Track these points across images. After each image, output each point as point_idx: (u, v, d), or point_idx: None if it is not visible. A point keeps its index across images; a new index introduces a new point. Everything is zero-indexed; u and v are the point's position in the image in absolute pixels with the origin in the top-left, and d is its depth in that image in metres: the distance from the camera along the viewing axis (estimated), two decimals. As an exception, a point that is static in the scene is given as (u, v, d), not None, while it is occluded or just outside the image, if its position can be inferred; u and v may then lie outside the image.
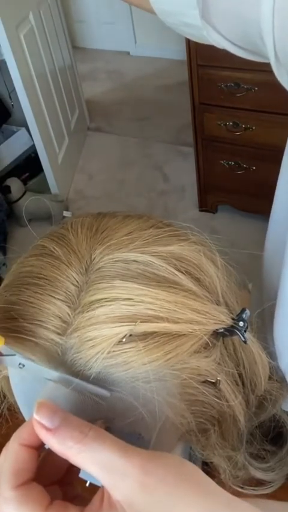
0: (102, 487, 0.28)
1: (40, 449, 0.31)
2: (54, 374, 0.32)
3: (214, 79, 1.65)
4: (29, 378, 0.35)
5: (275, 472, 0.44)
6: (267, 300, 0.53)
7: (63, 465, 0.33)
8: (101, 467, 0.27)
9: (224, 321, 0.34)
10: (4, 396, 0.43)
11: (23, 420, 0.39)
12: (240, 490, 0.44)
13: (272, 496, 0.45)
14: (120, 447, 0.27)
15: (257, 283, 0.60)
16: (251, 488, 0.44)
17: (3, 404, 0.44)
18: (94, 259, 0.35)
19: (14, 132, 2.45)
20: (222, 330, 0.35)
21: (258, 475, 0.44)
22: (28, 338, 0.33)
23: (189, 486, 0.27)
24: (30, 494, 0.28)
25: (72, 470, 0.33)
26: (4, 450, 0.30)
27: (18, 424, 0.44)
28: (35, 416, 0.28)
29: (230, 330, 0.35)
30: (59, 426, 0.28)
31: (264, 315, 0.54)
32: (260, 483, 0.45)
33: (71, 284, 0.34)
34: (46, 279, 0.35)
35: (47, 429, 0.28)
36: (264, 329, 0.54)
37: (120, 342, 0.32)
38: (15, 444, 0.30)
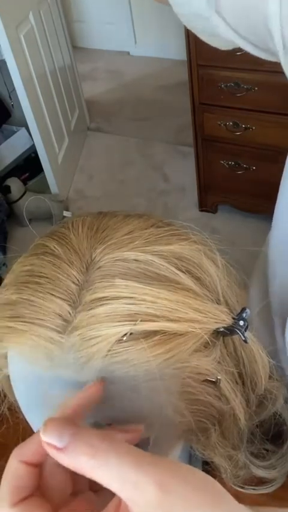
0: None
1: (41, 466, 0.30)
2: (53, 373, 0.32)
3: (214, 79, 1.66)
4: (30, 377, 0.35)
5: (277, 469, 0.44)
6: (273, 296, 0.53)
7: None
8: (116, 482, 0.26)
9: (224, 320, 0.34)
10: (4, 396, 0.43)
11: (23, 420, 0.39)
12: (241, 489, 0.44)
13: (273, 496, 0.45)
14: (135, 458, 0.26)
15: (260, 279, 0.60)
16: (252, 487, 0.44)
17: (4, 403, 0.44)
18: (95, 258, 0.35)
19: (14, 132, 2.46)
20: (222, 329, 0.35)
21: (260, 473, 0.44)
22: (29, 336, 0.33)
23: (207, 501, 0.26)
24: (29, 510, 0.28)
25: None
26: (6, 467, 0.30)
27: (18, 424, 0.44)
28: (43, 438, 0.27)
29: (231, 329, 0.35)
30: (69, 444, 0.27)
31: (269, 311, 0.54)
32: (260, 482, 0.45)
33: (71, 283, 0.34)
34: (47, 278, 0.35)
35: (58, 449, 0.27)
36: (270, 325, 0.54)
37: (120, 340, 0.32)
38: (14, 461, 0.29)
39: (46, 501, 0.29)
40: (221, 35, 0.38)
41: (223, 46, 0.41)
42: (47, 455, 0.29)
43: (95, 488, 0.33)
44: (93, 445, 0.26)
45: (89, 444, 0.26)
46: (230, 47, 0.41)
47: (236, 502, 0.28)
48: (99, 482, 0.26)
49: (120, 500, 0.27)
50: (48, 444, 0.27)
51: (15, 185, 2.15)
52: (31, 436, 0.30)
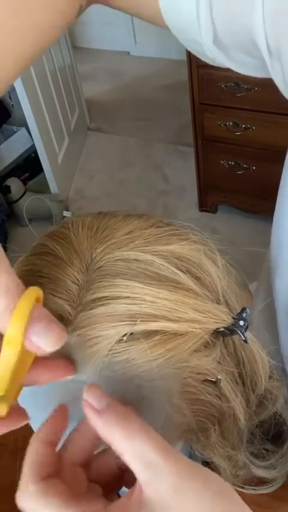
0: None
1: (56, 446, 0.32)
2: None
3: (214, 79, 1.66)
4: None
5: (277, 469, 0.44)
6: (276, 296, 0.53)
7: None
8: (139, 461, 0.27)
9: (224, 320, 0.34)
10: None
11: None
12: (241, 489, 0.44)
13: (273, 496, 0.45)
14: (163, 445, 0.27)
15: (264, 278, 0.61)
16: (252, 487, 0.44)
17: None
18: (95, 258, 0.35)
19: (14, 132, 2.46)
20: (222, 329, 0.35)
21: (260, 473, 0.43)
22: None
23: (223, 505, 0.27)
24: (52, 489, 0.29)
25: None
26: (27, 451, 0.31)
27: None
28: (84, 396, 0.29)
29: (231, 329, 0.35)
30: (105, 409, 0.28)
31: (273, 310, 0.54)
32: (261, 482, 0.45)
33: (71, 283, 0.34)
34: (47, 278, 0.35)
35: (95, 409, 0.28)
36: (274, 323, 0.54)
37: (120, 340, 0.32)
38: (35, 442, 0.31)
39: (67, 486, 0.30)
40: (215, 61, 0.41)
41: (220, 65, 0.44)
42: (61, 437, 0.31)
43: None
44: (127, 420, 0.28)
45: (124, 418, 0.28)
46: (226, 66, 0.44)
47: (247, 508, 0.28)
48: (121, 455, 0.27)
49: (133, 489, 0.28)
50: (88, 403, 0.29)
51: (15, 185, 2.15)
52: (45, 419, 0.32)
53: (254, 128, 1.72)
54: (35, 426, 0.38)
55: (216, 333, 0.35)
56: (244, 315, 0.35)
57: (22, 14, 0.34)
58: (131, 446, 0.27)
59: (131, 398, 0.33)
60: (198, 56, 0.44)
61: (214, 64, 0.44)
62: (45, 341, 0.27)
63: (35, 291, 0.28)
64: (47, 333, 0.27)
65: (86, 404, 0.29)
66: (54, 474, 0.30)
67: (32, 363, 0.30)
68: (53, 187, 2.32)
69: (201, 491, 0.27)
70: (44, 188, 2.32)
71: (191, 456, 0.46)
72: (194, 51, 0.44)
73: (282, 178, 0.49)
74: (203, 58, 0.44)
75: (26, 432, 0.40)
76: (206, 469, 0.28)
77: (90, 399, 0.29)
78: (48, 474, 0.30)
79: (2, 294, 0.26)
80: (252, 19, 0.34)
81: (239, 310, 0.35)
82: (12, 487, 0.31)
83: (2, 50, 0.33)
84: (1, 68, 0.34)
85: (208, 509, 0.27)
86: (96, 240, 0.37)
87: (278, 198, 0.51)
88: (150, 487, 0.27)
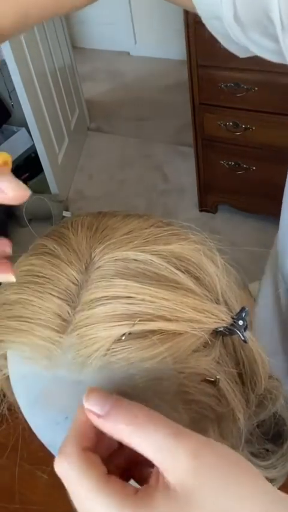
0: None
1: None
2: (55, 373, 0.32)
3: (214, 79, 1.66)
4: (29, 377, 0.35)
5: (277, 469, 0.44)
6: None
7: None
8: (153, 450, 0.27)
9: (223, 320, 0.34)
10: (4, 396, 0.43)
11: (23, 420, 0.39)
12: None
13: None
14: (173, 429, 0.27)
15: (273, 274, 0.61)
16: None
17: (3, 403, 0.44)
18: (94, 258, 0.35)
19: (14, 132, 2.46)
20: (221, 329, 0.35)
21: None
22: (28, 336, 0.33)
23: (241, 474, 0.27)
24: (94, 460, 0.28)
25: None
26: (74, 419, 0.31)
27: (18, 424, 0.44)
28: (85, 405, 0.29)
29: (230, 329, 0.35)
30: (110, 411, 0.28)
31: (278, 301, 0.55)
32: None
33: (70, 283, 0.34)
34: (46, 278, 0.35)
35: (99, 415, 0.28)
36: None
37: (119, 340, 0.32)
38: (81, 415, 0.30)
39: (103, 463, 0.30)
40: (231, 35, 0.44)
41: (238, 52, 0.47)
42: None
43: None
44: (133, 414, 0.28)
45: (129, 413, 0.28)
46: (244, 54, 0.47)
47: (276, 489, 0.28)
48: (135, 449, 0.28)
49: (159, 472, 0.28)
50: (90, 411, 0.29)
51: (15, 185, 2.15)
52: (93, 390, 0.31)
53: (254, 128, 1.72)
54: (38, 432, 0.38)
55: (215, 333, 0.35)
56: (243, 314, 0.35)
57: None
58: (143, 439, 0.27)
59: (129, 398, 0.33)
60: (217, 36, 0.47)
61: (231, 49, 0.47)
62: (8, 186, 0.30)
63: (2, 155, 0.29)
64: (12, 183, 0.30)
65: (88, 413, 0.29)
66: (93, 449, 0.30)
67: None
68: (53, 187, 2.32)
69: (217, 465, 0.27)
70: (44, 189, 2.33)
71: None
72: (215, 31, 0.46)
73: None
74: (221, 40, 0.47)
75: (25, 433, 0.40)
76: (222, 444, 0.28)
77: (92, 407, 0.29)
78: (88, 447, 0.30)
79: None
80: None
81: (238, 310, 0.35)
82: (11, 486, 0.31)
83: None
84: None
85: (228, 481, 0.27)
86: (96, 239, 0.37)
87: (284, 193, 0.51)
88: (169, 472, 0.27)
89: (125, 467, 0.33)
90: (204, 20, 0.46)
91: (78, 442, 0.29)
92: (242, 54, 0.48)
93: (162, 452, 0.27)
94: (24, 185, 0.30)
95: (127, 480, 0.34)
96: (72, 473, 0.28)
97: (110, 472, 0.30)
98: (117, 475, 0.30)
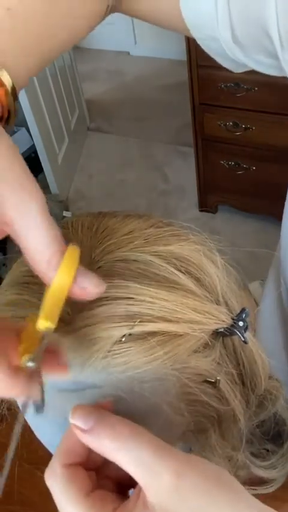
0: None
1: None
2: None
3: (214, 79, 1.66)
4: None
5: (277, 469, 0.44)
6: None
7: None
8: (135, 466, 0.27)
9: (223, 321, 0.34)
10: (4, 396, 0.43)
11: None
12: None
13: (272, 496, 0.45)
14: (157, 447, 0.28)
15: (275, 276, 0.61)
16: (251, 487, 0.44)
17: (3, 403, 0.44)
18: (94, 258, 0.35)
19: (14, 132, 2.45)
20: (222, 330, 0.35)
21: (260, 473, 0.44)
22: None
23: (222, 493, 0.27)
24: (76, 476, 0.29)
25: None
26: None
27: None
28: (70, 420, 0.30)
29: (230, 330, 0.35)
30: (94, 426, 0.29)
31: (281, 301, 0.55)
32: (261, 482, 0.45)
33: (70, 283, 0.34)
34: (46, 278, 0.34)
35: (83, 430, 0.29)
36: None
37: (119, 341, 0.32)
38: (70, 429, 0.31)
39: (90, 476, 0.31)
40: (230, 55, 0.43)
41: (234, 68, 0.47)
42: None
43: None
44: (116, 430, 0.28)
45: (112, 429, 0.28)
46: (240, 70, 0.47)
47: (254, 498, 0.28)
48: (119, 465, 0.28)
49: (140, 490, 0.28)
50: (75, 426, 0.29)
51: (15, 185, 2.15)
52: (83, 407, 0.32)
53: (254, 128, 1.72)
54: (37, 434, 0.38)
55: (216, 333, 0.35)
56: (243, 315, 0.35)
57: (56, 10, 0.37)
58: (125, 455, 0.28)
59: (129, 399, 0.33)
60: (214, 56, 0.46)
61: (227, 66, 0.47)
62: (90, 282, 0.29)
63: (77, 251, 0.29)
64: (91, 279, 0.29)
65: (73, 427, 0.30)
66: (80, 463, 0.31)
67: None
68: (53, 187, 2.32)
69: (200, 484, 0.27)
70: (43, 188, 2.32)
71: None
72: (211, 51, 0.45)
73: None
74: (218, 59, 0.46)
75: (25, 433, 0.40)
76: (203, 460, 0.29)
77: (77, 422, 0.29)
78: (76, 462, 0.30)
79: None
80: (265, 12, 0.37)
81: (238, 311, 0.35)
82: (11, 485, 0.31)
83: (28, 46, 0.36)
84: (25, 62, 0.36)
85: (208, 501, 0.27)
86: (96, 240, 0.37)
87: None
88: (150, 489, 0.27)
89: (124, 474, 0.33)
90: (199, 41, 0.45)
91: (63, 458, 0.30)
92: (236, 70, 0.47)
93: (144, 470, 0.27)
94: (101, 281, 0.29)
95: (128, 487, 0.34)
96: (56, 488, 0.29)
97: (106, 480, 0.31)
98: (114, 483, 0.31)
